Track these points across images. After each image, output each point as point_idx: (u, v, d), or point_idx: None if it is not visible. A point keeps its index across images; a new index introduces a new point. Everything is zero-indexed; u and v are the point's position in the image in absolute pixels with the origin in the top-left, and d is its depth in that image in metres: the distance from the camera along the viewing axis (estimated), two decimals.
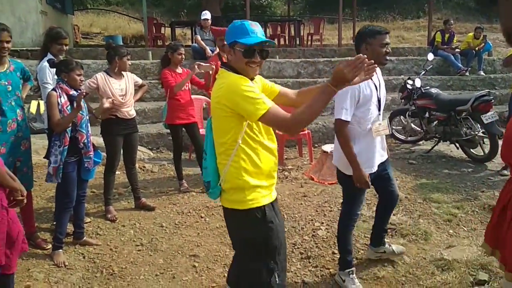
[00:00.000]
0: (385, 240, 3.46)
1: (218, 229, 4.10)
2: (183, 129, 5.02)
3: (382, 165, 3.09)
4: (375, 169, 2.97)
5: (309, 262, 3.49)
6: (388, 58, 2.88)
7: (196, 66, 4.76)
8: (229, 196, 2.17)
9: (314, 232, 4.00)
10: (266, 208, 2.14)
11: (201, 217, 4.38)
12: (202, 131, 5.42)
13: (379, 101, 2.92)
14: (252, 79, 2.12)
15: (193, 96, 5.25)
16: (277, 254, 2.18)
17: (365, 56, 1.85)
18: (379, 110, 2.95)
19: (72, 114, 3.31)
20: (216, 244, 3.83)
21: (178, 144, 5.06)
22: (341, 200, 4.62)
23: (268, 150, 2.16)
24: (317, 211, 4.48)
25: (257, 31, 2.06)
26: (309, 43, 12.93)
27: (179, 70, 4.92)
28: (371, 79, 2.75)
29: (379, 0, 21.31)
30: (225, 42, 2.14)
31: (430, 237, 3.87)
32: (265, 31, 12.83)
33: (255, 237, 2.15)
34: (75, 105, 3.31)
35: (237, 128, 2.05)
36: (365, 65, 1.85)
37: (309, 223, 4.20)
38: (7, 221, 2.38)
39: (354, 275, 3.11)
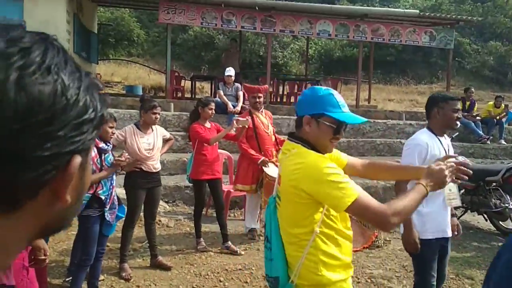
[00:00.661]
0: None
1: None
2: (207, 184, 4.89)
3: (445, 240, 2.92)
4: (446, 234, 2.83)
5: None
6: (458, 123, 2.95)
7: (234, 122, 4.71)
8: None
9: None
10: None
11: (220, 281, 4.12)
12: (225, 186, 5.30)
13: None
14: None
15: None
16: None
17: (468, 162, 1.85)
18: None
19: (101, 175, 3.20)
20: None
21: (201, 200, 4.90)
22: (368, 271, 4.45)
23: (347, 237, 1.92)
24: None
25: (345, 104, 1.85)
26: None
27: (208, 124, 4.87)
28: (441, 142, 2.82)
29: (393, 64, 21.77)
30: (303, 113, 1.87)
31: None
32: (282, 89, 13.04)
33: None
34: (105, 163, 3.21)
35: (314, 216, 1.80)
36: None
37: None
38: (26, 282, 2.19)
39: None
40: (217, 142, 4.92)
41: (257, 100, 5.12)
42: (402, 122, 9.78)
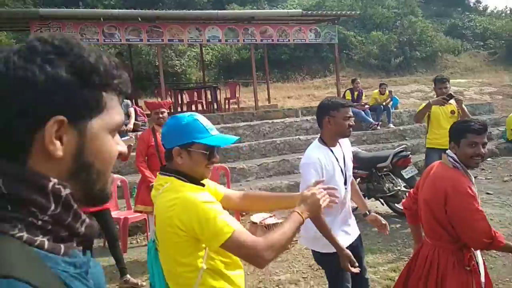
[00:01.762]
0: None
1: None
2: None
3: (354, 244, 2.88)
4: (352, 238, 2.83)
5: None
6: (351, 130, 2.78)
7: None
8: None
9: None
10: None
11: None
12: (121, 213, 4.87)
13: (343, 173, 2.76)
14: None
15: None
16: None
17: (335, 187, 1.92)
18: (345, 184, 2.80)
19: None
20: None
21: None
22: (276, 277, 4.37)
23: (239, 266, 1.81)
24: None
25: (212, 126, 1.76)
26: (226, 107, 13.01)
27: None
28: (333, 153, 2.70)
29: (288, 62, 22.48)
30: (172, 145, 1.74)
31: None
32: (181, 98, 12.74)
33: None
34: None
35: (197, 253, 1.67)
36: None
37: None
38: None
39: None
40: None
41: (160, 115, 4.78)
42: (299, 119, 10.03)
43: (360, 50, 23.48)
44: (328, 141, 2.73)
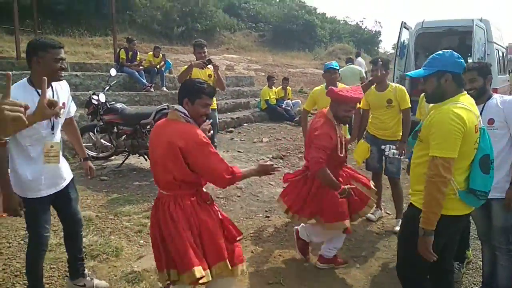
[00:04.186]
0: (86, 271, 3.24)
1: None
2: None
3: (65, 188, 2.93)
4: (42, 194, 2.77)
5: None
6: (63, 73, 2.70)
7: None
8: None
9: None
10: None
11: None
12: None
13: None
14: None
15: None
16: None
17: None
18: (52, 129, 2.74)
19: None
20: None
21: None
22: (23, 232, 4.11)
23: None
24: None
25: None
26: None
27: None
28: (38, 93, 2.54)
29: (65, 14, 20.39)
30: None
31: (121, 252, 3.84)
32: None
33: None
34: None
35: None
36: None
37: None
38: None
39: None
40: None
41: None
42: (68, 73, 9.34)
43: (143, 14, 23.08)
44: (37, 83, 2.62)
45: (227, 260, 2.55)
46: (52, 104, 1.45)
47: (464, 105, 2.31)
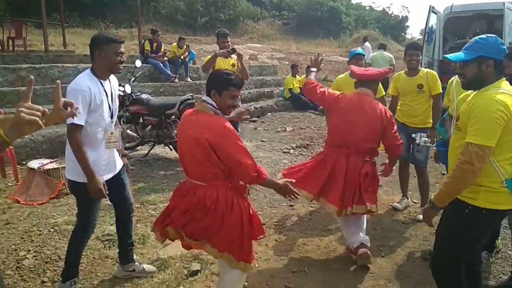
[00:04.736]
0: (135, 256, 3.37)
1: None
2: None
3: (119, 174, 3.07)
4: (107, 177, 2.92)
5: None
6: (122, 67, 2.85)
7: None
8: None
9: (18, 263, 3.44)
10: None
11: None
12: None
13: (110, 108, 2.87)
14: None
15: None
16: None
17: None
18: (111, 118, 2.91)
19: None
20: None
21: None
22: (53, 220, 4.25)
23: None
24: (22, 237, 3.89)
25: None
26: (10, 48, 11.37)
27: None
28: (103, 87, 2.78)
29: (91, 7, 20.72)
30: None
31: (148, 240, 3.92)
32: None
33: None
34: None
35: None
36: None
37: (12, 253, 3.59)
38: None
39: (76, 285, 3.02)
40: None
41: None
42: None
43: (167, 5, 23.22)
44: (99, 74, 2.80)
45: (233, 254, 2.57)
46: (68, 105, 1.49)
47: (506, 91, 2.21)
